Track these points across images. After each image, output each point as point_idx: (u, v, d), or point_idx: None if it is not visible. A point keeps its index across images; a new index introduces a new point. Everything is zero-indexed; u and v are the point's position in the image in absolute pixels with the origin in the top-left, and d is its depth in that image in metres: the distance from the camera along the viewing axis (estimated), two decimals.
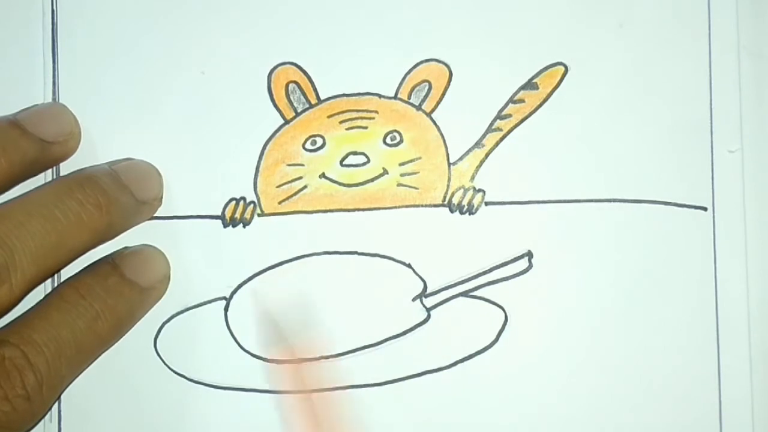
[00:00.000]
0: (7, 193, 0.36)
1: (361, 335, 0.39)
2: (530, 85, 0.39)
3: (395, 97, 0.39)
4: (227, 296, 0.39)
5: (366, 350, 0.39)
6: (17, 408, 0.32)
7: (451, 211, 0.39)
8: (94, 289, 0.35)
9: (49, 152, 0.36)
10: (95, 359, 0.36)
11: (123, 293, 0.36)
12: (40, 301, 0.35)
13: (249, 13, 0.39)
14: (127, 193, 0.36)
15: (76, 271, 0.36)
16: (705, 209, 0.39)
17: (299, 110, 0.39)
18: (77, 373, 0.35)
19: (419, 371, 0.39)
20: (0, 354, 0.32)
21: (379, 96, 0.39)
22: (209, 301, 0.39)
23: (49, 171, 0.38)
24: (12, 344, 0.33)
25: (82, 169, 0.37)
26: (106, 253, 0.37)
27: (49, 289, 0.37)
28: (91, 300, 0.35)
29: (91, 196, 0.35)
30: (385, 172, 0.39)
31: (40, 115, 0.37)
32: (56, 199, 0.35)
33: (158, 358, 0.38)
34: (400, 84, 0.39)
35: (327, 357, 0.39)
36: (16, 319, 0.34)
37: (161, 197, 0.38)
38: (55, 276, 0.37)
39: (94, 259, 0.37)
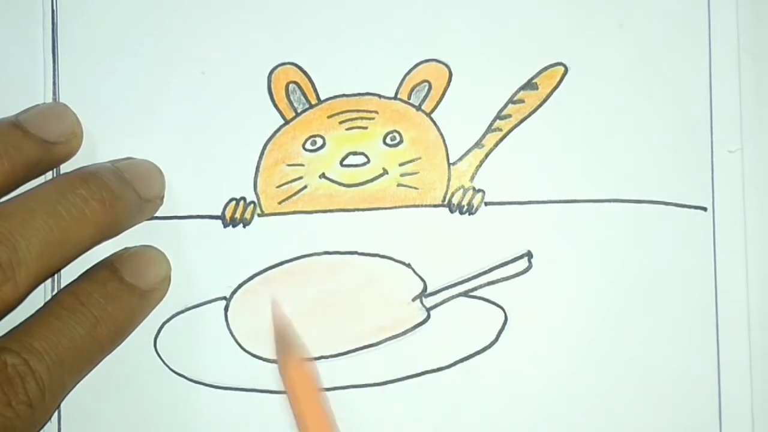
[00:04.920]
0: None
1: (361, 335, 0.39)
2: (530, 85, 0.39)
3: (395, 98, 0.39)
4: (227, 296, 0.39)
5: (366, 350, 0.39)
6: (20, 414, 0.32)
7: (451, 211, 0.39)
8: (92, 295, 0.35)
9: (52, 153, 0.36)
10: (96, 365, 0.36)
11: (122, 298, 0.36)
12: (40, 308, 0.35)
13: (249, 14, 0.39)
14: (130, 190, 0.37)
15: (78, 272, 0.36)
16: (705, 209, 0.39)
17: (299, 110, 0.39)
18: (78, 380, 0.35)
19: (419, 371, 0.39)
20: (2, 361, 0.33)
21: (379, 96, 0.39)
22: (209, 301, 0.39)
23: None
24: (13, 352, 0.33)
25: (84, 166, 0.37)
26: (108, 254, 0.37)
27: (49, 293, 0.37)
28: (90, 306, 0.35)
29: (95, 192, 0.35)
30: (385, 172, 0.39)
31: (41, 115, 0.37)
32: (59, 195, 0.35)
33: (158, 358, 0.38)
34: (400, 84, 0.39)
35: (327, 357, 0.39)
36: (16, 327, 0.34)
37: (163, 196, 0.38)
38: (55, 278, 0.38)
39: (96, 259, 0.37)
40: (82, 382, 0.36)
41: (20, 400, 0.32)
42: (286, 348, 0.38)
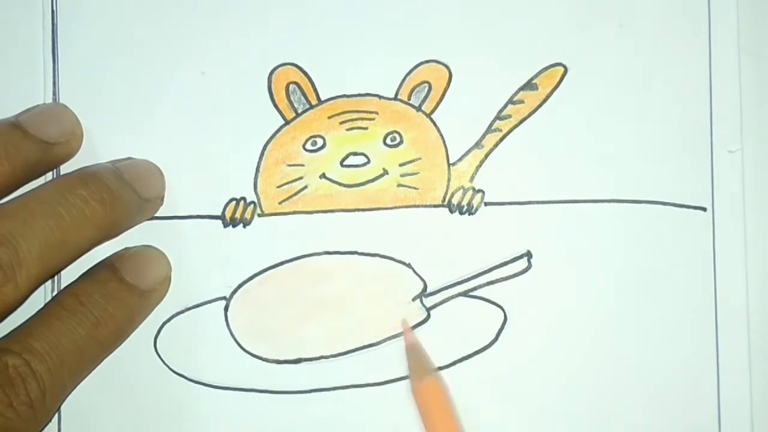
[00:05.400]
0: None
1: (361, 335, 0.39)
2: (530, 85, 0.39)
3: (395, 98, 0.39)
4: (227, 296, 0.39)
5: (366, 350, 0.39)
6: (21, 415, 0.32)
7: (451, 212, 0.39)
8: (93, 295, 0.35)
9: (52, 153, 0.36)
10: (97, 365, 0.36)
11: (122, 298, 0.36)
12: (41, 309, 0.35)
13: (250, 14, 0.39)
14: (130, 190, 0.37)
15: (78, 272, 0.36)
16: (704, 209, 0.39)
17: (300, 111, 0.39)
18: (79, 380, 0.35)
19: None
20: (3, 362, 0.33)
21: (379, 97, 0.39)
22: (209, 301, 0.39)
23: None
24: (14, 353, 0.33)
25: (85, 166, 0.37)
26: (108, 254, 0.37)
27: (50, 293, 0.37)
28: (90, 307, 0.35)
29: (95, 192, 0.35)
30: (385, 172, 0.39)
31: (41, 116, 0.37)
32: (60, 196, 0.35)
33: (158, 358, 0.38)
34: (400, 85, 0.39)
35: (327, 357, 0.39)
36: (17, 328, 0.34)
37: (163, 196, 0.38)
38: (56, 278, 0.38)
39: (96, 259, 0.37)
40: (82, 382, 0.36)
41: (21, 401, 0.32)
42: (419, 372, 0.38)
